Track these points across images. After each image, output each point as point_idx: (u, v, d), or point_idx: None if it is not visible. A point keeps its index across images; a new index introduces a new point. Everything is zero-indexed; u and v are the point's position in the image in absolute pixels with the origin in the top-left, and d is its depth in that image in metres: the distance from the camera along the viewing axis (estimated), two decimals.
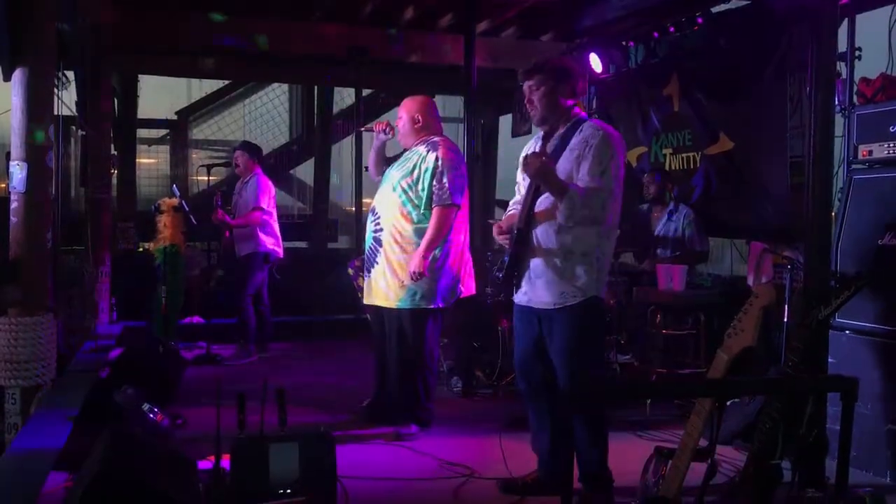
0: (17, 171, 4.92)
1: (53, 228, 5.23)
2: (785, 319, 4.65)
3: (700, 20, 6.27)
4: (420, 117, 4.78)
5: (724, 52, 6.19)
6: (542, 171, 3.55)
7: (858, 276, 2.64)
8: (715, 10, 6.35)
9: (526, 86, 3.73)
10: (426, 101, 4.92)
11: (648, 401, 5.27)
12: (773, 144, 5.84)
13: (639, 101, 7.46)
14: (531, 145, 3.83)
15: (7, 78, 5.06)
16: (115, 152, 8.66)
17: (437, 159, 4.61)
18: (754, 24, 5.92)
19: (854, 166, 4.54)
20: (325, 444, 3.32)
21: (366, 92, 9.26)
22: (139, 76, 9.72)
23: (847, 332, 4.36)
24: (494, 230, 3.90)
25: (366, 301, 4.95)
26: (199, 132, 11.33)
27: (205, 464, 3.96)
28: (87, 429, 4.60)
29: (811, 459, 3.14)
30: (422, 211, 4.66)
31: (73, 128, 7.78)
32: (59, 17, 5.31)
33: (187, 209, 5.44)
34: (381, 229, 4.72)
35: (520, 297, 3.79)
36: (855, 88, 4.79)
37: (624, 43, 7.18)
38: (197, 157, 11.00)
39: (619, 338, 6.07)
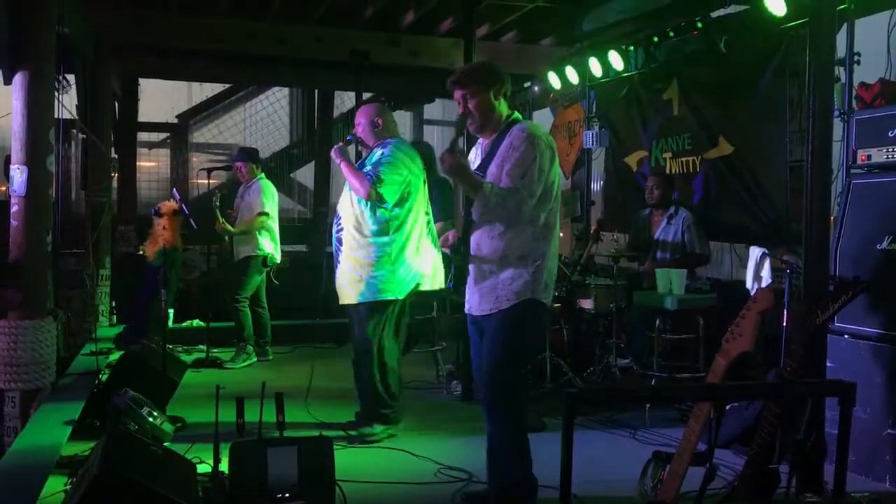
0: (18, 174, 4.93)
1: (54, 231, 5.23)
2: (784, 324, 4.65)
3: (699, 25, 6.29)
4: (380, 121, 4.92)
5: (723, 56, 6.19)
6: (455, 168, 3.51)
7: (857, 280, 2.63)
8: (714, 14, 6.36)
9: (459, 95, 3.68)
10: (381, 106, 5.11)
11: (647, 404, 5.28)
12: (772, 148, 5.86)
13: (639, 106, 7.47)
14: (473, 153, 3.82)
15: (7, 81, 5.07)
16: (116, 155, 8.67)
17: (381, 154, 4.77)
18: (753, 29, 5.93)
19: (853, 171, 4.55)
20: (324, 447, 3.33)
21: (366, 95, 9.26)
22: (140, 79, 9.74)
23: (846, 336, 4.37)
24: (441, 240, 3.91)
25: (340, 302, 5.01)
26: (199, 135, 11.34)
27: (204, 467, 3.98)
28: (86, 432, 4.62)
29: (809, 464, 3.14)
30: (378, 208, 4.74)
31: (74, 131, 7.79)
32: (60, 21, 5.32)
33: (187, 213, 5.44)
34: (342, 229, 4.84)
35: (466, 306, 3.80)
36: (854, 93, 4.79)
37: (624, 47, 7.19)
38: (197, 160, 11.01)
39: (619, 342, 6.08)
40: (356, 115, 5.04)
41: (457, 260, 3.74)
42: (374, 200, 4.68)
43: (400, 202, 4.77)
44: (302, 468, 3.19)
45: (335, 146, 4.89)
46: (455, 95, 3.72)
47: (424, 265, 4.94)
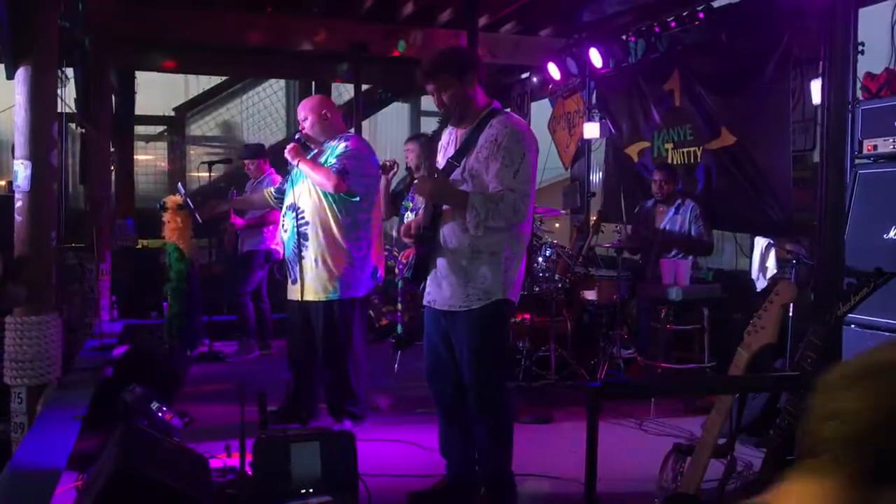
0: (22, 169, 4.90)
1: (57, 227, 5.21)
2: (790, 314, 4.66)
3: (701, 15, 6.29)
4: (328, 113, 4.82)
5: (725, 46, 6.20)
6: (436, 192, 3.44)
7: (879, 272, 2.64)
8: (716, 4, 6.36)
9: (431, 88, 3.53)
10: (327, 98, 5.02)
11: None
12: (775, 138, 5.87)
13: (640, 97, 7.47)
14: (445, 139, 3.69)
15: (10, 76, 5.04)
16: (113, 149, 8.62)
17: (345, 147, 4.68)
18: (756, 19, 5.94)
19: (859, 161, 4.55)
20: (346, 442, 3.32)
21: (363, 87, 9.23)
22: (136, 72, 9.69)
23: (853, 325, 4.38)
24: (402, 230, 3.82)
25: (290, 297, 4.85)
26: (196, 128, 11.29)
27: (216, 462, 3.99)
28: (94, 428, 4.61)
29: None
30: (348, 202, 4.68)
31: (73, 125, 7.74)
32: (62, 16, 5.28)
33: (192, 207, 5.43)
34: (307, 223, 4.69)
35: (427, 298, 3.68)
36: (859, 84, 4.79)
37: (624, 38, 7.19)
38: (195, 153, 10.97)
39: (622, 332, 6.10)
40: (299, 111, 4.86)
41: (418, 250, 3.62)
42: (343, 193, 4.59)
43: (367, 197, 4.72)
44: (325, 463, 3.18)
45: (288, 147, 4.68)
46: (427, 89, 3.57)
47: (381, 259, 4.97)
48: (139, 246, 8.55)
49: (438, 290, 3.60)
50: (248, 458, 3.32)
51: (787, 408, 2.62)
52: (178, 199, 5.48)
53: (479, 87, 3.55)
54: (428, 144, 3.63)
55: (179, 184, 5.86)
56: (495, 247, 3.46)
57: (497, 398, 3.59)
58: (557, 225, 10.32)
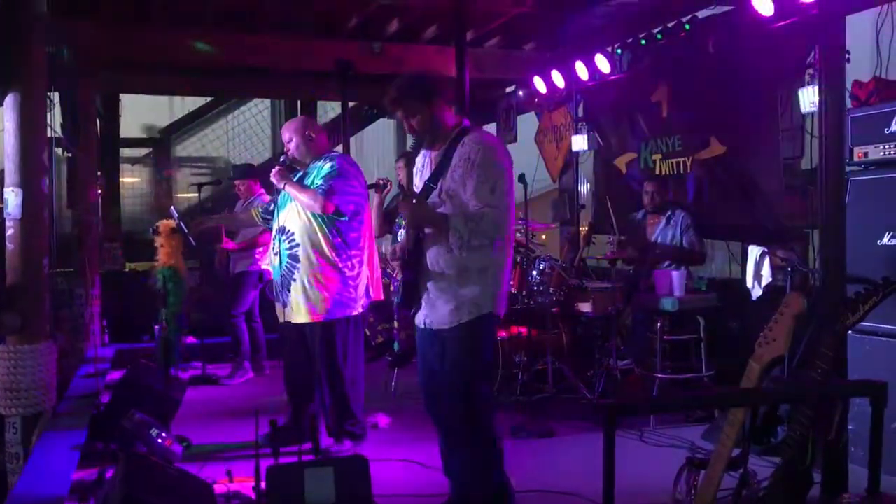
0: (13, 197, 4.86)
1: (49, 253, 5.17)
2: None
3: (687, 26, 6.32)
4: (312, 133, 4.81)
5: (712, 56, 6.22)
6: (417, 217, 3.48)
7: (888, 281, 2.66)
8: (702, 15, 6.40)
9: (399, 115, 3.57)
10: (310, 119, 5.11)
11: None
12: (765, 147, 5.89)
13: (627, 108, 7.49)
14: (420, 162, 3.72)
15: None
16: (100, 172, 8.57)
17: (331, 167, 4.66)
18: (742, 28, 5.97)
19: (850, 168, 4.59)
20: (359, 467, 3.30)
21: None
22: (121, 95, 9.64)
23: (851, 332, 4.39)
24: (389, 253, 3.83)
25: (284, 320, 4.82)
26: (182, 149, 11.24)
27: (219, 487, 3.96)
28: (93, 455, 4.56)
29: (839, 464, 3.17)
30: (336, 221, 4.67)
31: (59, 150, 7.69)
32: (49, 42, 5.25)
33: (185, 230, 5.40)
34: (298, 245, 4.67)
35: (420, 319, 3.68)
36: (847, 91, 4.83)
37: (610, 50, 7.21)
38: (181, 174, 10.93)
39: (618, 343, 6.10)
40: (283, 133, 4.88)
41: (405, 273, 3.62)
42: (331, 214, 4.58)
43: (356, 215, 4.71)
44: (339, 489, 3.16)
45: (274, 170, 4.69)
46: (396, 115, 3.61)
47: (376, 277, 4.96)
48: (127, 269, 8.48)
49: (433, 311, 3.60)
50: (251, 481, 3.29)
51: (799, 418, 2.63)
52: (171, 223, 5.43)
53: (447, 108, 3.59)
54: (405, 168, 3.65)
55: (172, 207, 5.82)
56: (481, 263, 3.49)
57: (475, 409, 3.58)
58: (544, 237, 10.33)
